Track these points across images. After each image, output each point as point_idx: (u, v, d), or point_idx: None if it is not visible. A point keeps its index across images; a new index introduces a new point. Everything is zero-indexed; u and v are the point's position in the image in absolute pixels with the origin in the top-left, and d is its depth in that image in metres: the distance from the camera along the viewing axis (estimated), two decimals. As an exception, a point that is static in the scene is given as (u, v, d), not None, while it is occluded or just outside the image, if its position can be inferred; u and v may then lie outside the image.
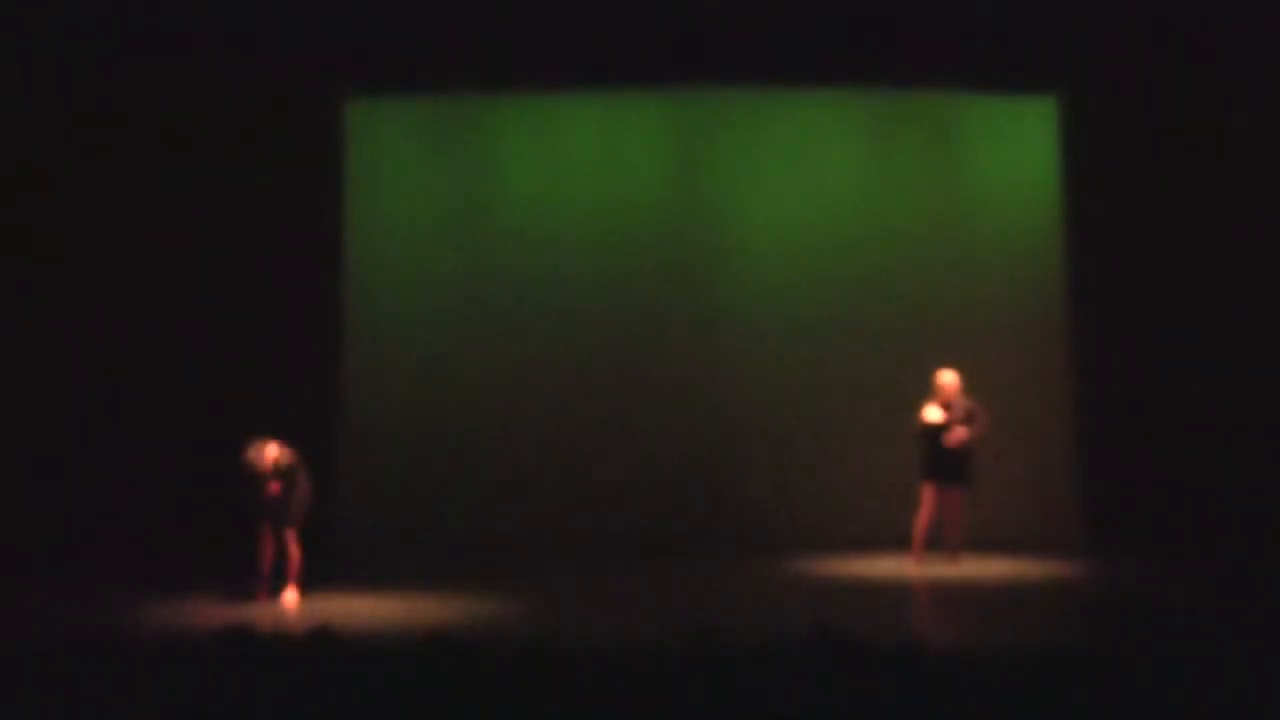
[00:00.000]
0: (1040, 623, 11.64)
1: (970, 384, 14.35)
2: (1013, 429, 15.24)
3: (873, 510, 14.97)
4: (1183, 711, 6.89)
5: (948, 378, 13.83)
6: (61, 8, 14.61)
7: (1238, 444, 14.58)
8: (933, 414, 13.81)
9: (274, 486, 11.75)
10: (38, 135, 14.95)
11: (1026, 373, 15.39)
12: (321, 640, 7.12)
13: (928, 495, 13.76)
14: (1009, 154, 15.70)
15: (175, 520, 14.51)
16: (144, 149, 15.08)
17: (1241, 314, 14.72)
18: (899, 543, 13.99)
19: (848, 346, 15.59)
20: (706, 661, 6.92)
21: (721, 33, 14.42)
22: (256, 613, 11.20)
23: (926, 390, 14.04)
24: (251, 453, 11.77)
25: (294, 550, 11.87)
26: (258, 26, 14.53)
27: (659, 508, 15.35)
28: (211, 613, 11.09)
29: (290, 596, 11.84)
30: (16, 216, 15.06)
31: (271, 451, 11.80)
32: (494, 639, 7.49)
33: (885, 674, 6.83)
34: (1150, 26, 14.46)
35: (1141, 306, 14.85)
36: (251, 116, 14.95)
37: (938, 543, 13.83)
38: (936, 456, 13.76)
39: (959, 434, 13.66)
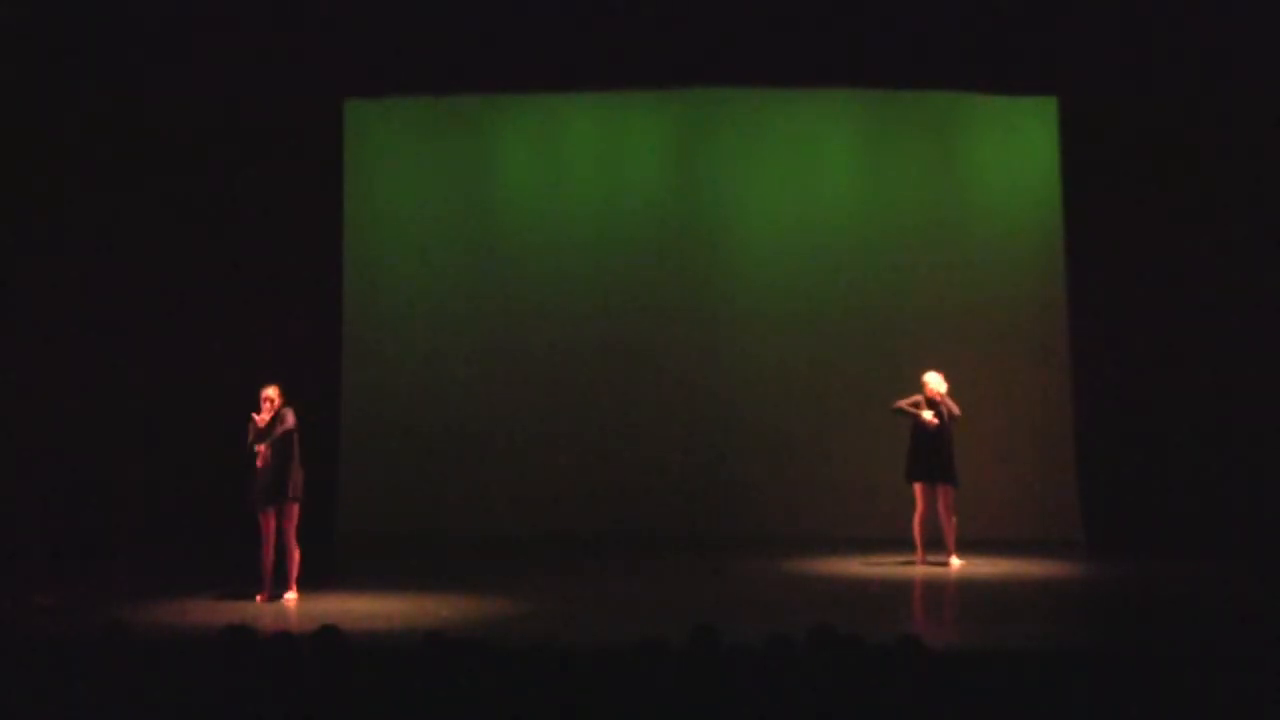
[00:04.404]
0: (1040, 623, 11.63)
1: (971, 384, 14.36)
2: (1013, 429, 15.26)
3: (873, 510, 14.98)
4: (1183, 711, 6.89)
5: (931, 379, 13.76)
6: (62, 8, 14.61)
7: (1238, 444, 14.58)
8: (908, 402, 13.75)
9: (261, 419, 11.72)
10: (36, 133, 14.95)
11: (1026, 373, 15.40)
12: (324, 640, 7.11)
13: (918, 495, 13.75)
14: (1009, 154, 15.71)
15: (175, 520, 14.53)
16: (142, 148, 15.08)
17: (1241, 313, 14.72)
18: (899, 543, 13.98)
19: (848, 346, 15.60)
20: (706, 661, 6.92)
21: (721, 33, 14.41)
22: (256, 613, 11.21)
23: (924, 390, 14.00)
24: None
25: (295, 549, 11.86)
26: (257, 26, 14.53)
27: (659, 508, 15.37)
28: (211, 613, 11.09)
29: (290, 596, 11.84)
30: (16, 216, 15.06)
31: (272, 391, 11.86)
32: (494, 639, 7.48)
33: (885, 674, 6.83)
34: (1150, 27, 14.45)
35: (1141, 306, 14.85)
36: (251, 116, 14.95)
37: (939, 542, 13.82)
38: (918, 455, 13.73)
39: (930, 420, 13.59)
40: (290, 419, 11.82)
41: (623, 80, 15.11)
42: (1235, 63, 14.52)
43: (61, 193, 15.08)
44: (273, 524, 11.86)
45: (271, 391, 11.88)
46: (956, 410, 13.70)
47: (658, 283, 15.75)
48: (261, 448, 11.76)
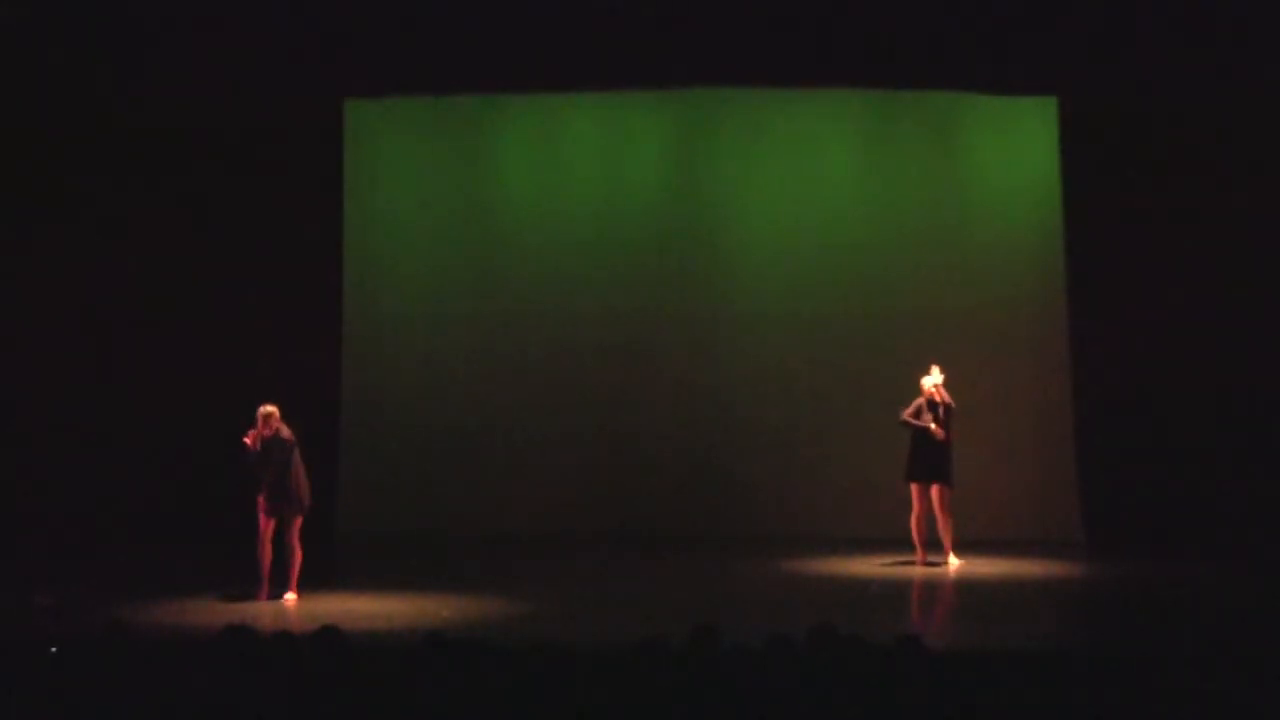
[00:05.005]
0: (1040, 623, 11.64)
1: (971, 384, 14.35)
2: (1013, 429, 15.25)
3: (873, 510, 14.97)
4: (1183, 711, 6.89)
5: (926, 381, 13.76)
6: (62, 8, 14.61)
7: (1238, 444, 14.59)
8: (911, 411, 13.75)
9: (252, 436, 11.65)
10: (37, 133, 14.97)
11: (1026, 373, 15.39)
12: (324, 640, 7.11)
13: (914, 495, 13.75)
14: (1009, 154, 15.70)
15: (175, 520, 14.54)
16: (143, 148, 15.10)
17: (1241, 313, 14.73)
18: (899, 543, 13.98)
19: (848, 346, 15.59)
20: (706, 661, 6.92)
21: (721, 33, 14.41)
22: (256, 613, 11.21)
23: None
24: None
25: (297, 551, 11.85)
26: (257, 26, 14.53)
27: (659, 508, 15.36)
28: (211, 613, 11.09)
29: (290, 596, 11.84)
30: (16, 216, 15.08)
31: (270, 408, 11.73)
32: (494, 639, 7.48)
33: (885, 674, 6.83)
34: (1150, 27, 14.46)
35: (1141, 307, 14.86)
36: (251, 116, 14.96)
37: (939, 543, 13.80)
38: (914, 456, 13.74)
39: (937, 431, 13.59)
40: (288, 439, 11.74)
41: (623, 80, 15.12)
42: (1235, 63, 14.52)
43: (62, 192, 15.10)
44: (272, 526, 11.84)
45: (269, 411, 11.76)
46: (949, 399, 13.68)
47: (658, 283, 15.73)
48: (261, 499, 11.75)
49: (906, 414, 13.72)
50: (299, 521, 11.89)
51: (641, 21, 14.34)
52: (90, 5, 14.58)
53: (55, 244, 15.13)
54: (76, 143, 15.06)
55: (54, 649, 7.75)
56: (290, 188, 15.15)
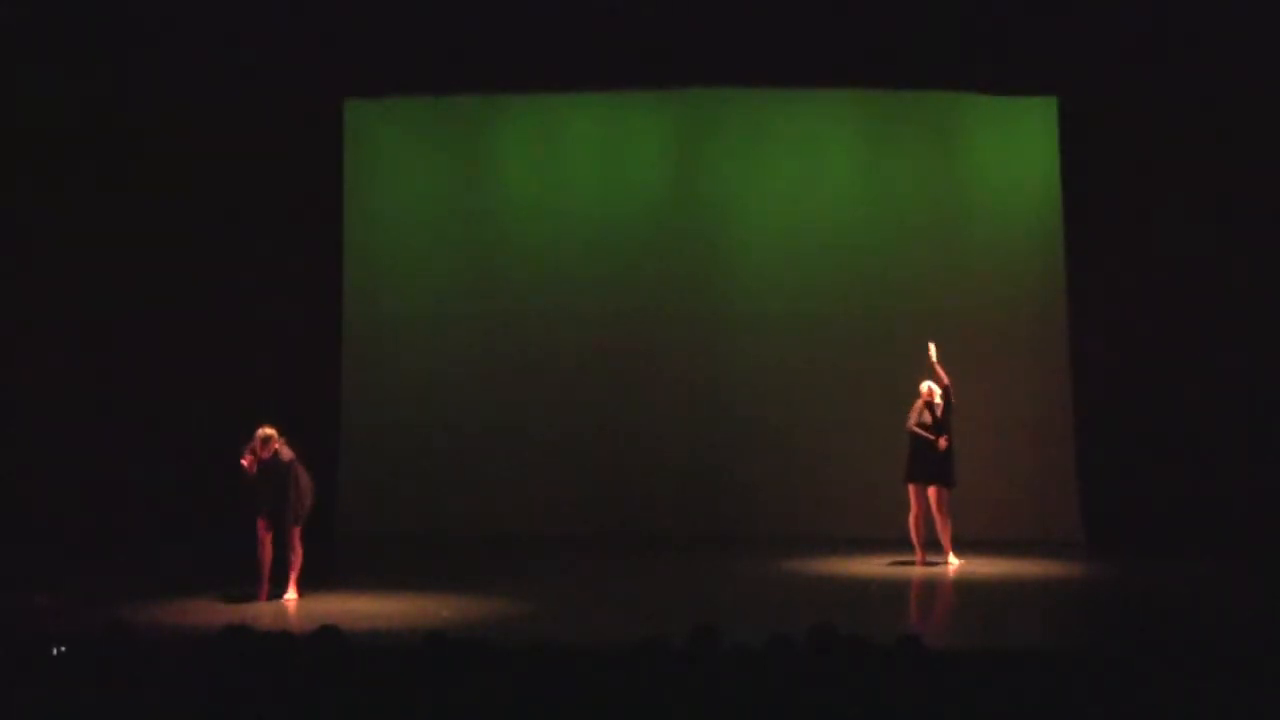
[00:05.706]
0: (1040, 623, 11.63)
1: (971, 384, 14.33)
2: (1013, 429, 15.25)
3: (873, 510, 14.97)
4: (1183, 711, 6.89)
5: (924, 386, 13.75)
6: (61, 7, 14.62)
7: (1238, 444, 14.59)
8: (915, 418, 13.75)
9: (248, 460, 11.61)
10: (37, 133, 14.97)
11: (1026, 372, 15.39)
12: (324, 640, 7.12)
13: (911, 495, 13.75)
14: (1009, 154, 15.69)
15: (175, 519, 14.54)
16: (143, 148, 15.09)
17: (1241, 313, 14.73)
18: (899, 543, 13.98)
19: (848, 346, 15.59)
20: (706, 661, 6.92)
21: (721, 33, 14.41)
22: (256, 613, 11.21)
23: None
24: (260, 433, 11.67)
25: (297, 550, 11.83)
26: (257, 26, 14.53)
27: (659, 508, 15.37)
28: (211, 613, 11.09)
29: (290, 596, 11.83)
30: (17, 215, 15.08)
31: (268, 431, 11.67)
32: (494, 639, 7.49)
33: (885, 674, 6.83)
34: (1149, 28, 14.46)
35: (1141, 306, 14.86)
36: (250, 116, 14.96)
37: (939, 543, 13.80)
38: (913, 457, 13.73)
39: (941, 442, 13.59)
40: (286, 460, 11.69)
41: (623, 80, 15.12)
42: (1235, 62, 14.52)
43: (62, 192, 15.10)
44: (272, 530, 11.82)
45: (268, 433, 11.68)
46: (945, 378, 13.66)
47: (658, 283, 15.73)
48: (261, 519, 11.73)
49: (912, 422, 13.72)
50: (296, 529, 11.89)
51: (641, 21, 14.34)
52: (90, 5, 14.58)
53: (55, 244, 15.13)
54: (76, 143, 15.06)
55: (55, 649, 7.76)
56: (290, 188, 15.16)
